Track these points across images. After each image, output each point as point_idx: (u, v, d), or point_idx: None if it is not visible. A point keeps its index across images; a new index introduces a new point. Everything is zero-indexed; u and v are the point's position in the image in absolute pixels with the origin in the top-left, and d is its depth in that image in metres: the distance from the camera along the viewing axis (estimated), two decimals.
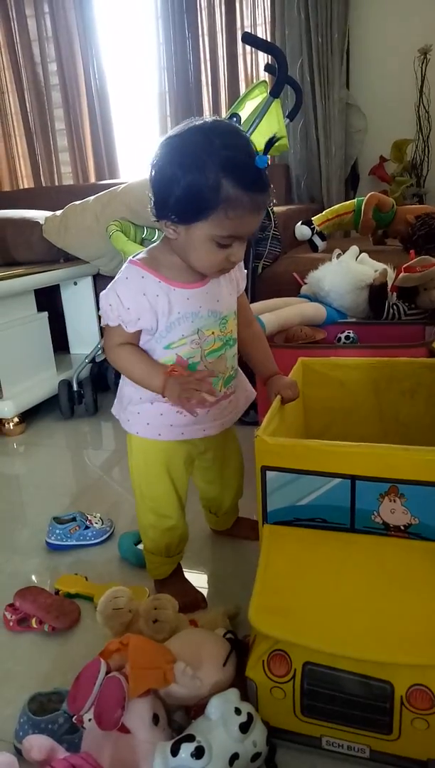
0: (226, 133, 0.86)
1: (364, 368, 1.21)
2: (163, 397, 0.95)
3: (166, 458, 1.07)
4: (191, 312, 0.96)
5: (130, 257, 0.98)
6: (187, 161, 0.84)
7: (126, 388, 1.06)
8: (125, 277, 0.95)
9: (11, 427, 2.11)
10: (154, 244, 0.99)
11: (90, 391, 2.25)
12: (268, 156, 1.01)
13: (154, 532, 1.12)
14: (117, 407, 1.12)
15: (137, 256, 0.97)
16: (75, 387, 2.24)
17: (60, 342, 2.57)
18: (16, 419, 2.12)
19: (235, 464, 1.22)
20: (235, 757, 0.74)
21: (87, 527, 1.39)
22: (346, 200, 2.47)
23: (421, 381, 1.18)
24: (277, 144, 1.91)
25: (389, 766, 0.79)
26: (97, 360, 2.37)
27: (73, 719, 0.80)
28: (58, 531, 1.38)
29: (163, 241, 0.97)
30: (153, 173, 0.89)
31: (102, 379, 2.44)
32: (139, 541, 1.32)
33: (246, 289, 1.10)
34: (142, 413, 1.04)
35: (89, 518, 1.41)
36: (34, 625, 1.10)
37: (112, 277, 0.98)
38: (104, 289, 0.98)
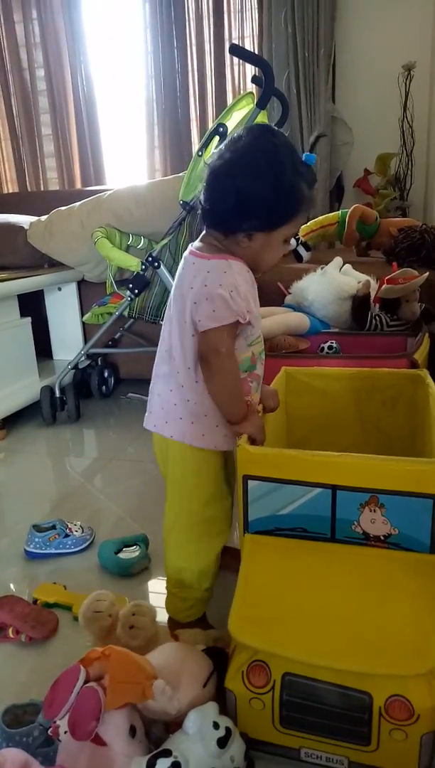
0: (283, 136, 0.90)
1: (346, 378, 1.22)
2: (235, 424, 0.94)
3: (223, 470, 1.01)
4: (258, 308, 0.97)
5: (195, 252, 0.92)
6: (271, 171, 0.86)
7: (187, 404, 0.95)
8: (227, 267, 0.89)
9: None
10: (195, 246, 0.94)
11: (72, 398, 2.23)
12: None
13: (204, 558, 1.02)
14: (179, 426, 0.97)
15: (205, 251, 0.92)
16: (57, 393, 2.22)
17: (43, 348, 2.55)
18: None
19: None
20: None
21: (67, 535, 1.38)
22: (330, 212, 2.49)
23: (401, 392, 1.19)
24: None
25: None
26: (80, 366, 2.36)
27: (49, 731, 0.78)
28: (37, 539, 1.36)
29: (210, 243, 0.93)
30: (227, 192, 0.87)
31: (85, 386, 2.43)
32: (119, 550, 1.31)
33: None
34: (205, 425, 0.97)
35: (69, 526, 1.40)
36: (11, 635, 1.08)
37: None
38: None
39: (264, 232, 0.90)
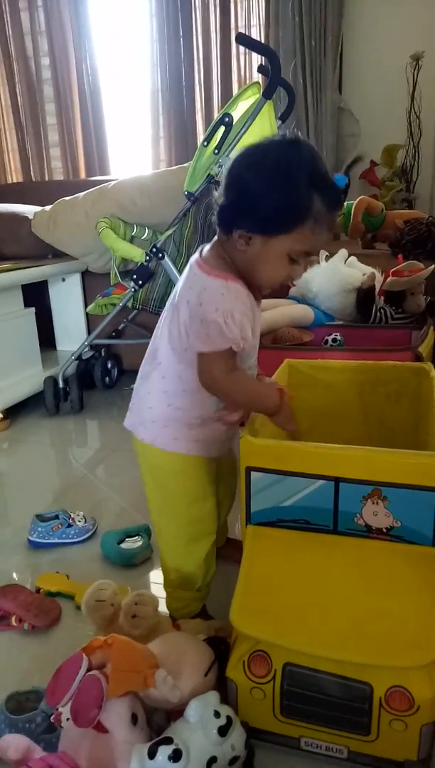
0: (311, 149, 0.86)
1: (350, 371, 1.21)
2: (271, 416, 0.94)
3: (207, 473, 1.00)
4: (258, 332, 0.95)
5: (200, 262, 0.90)
6: (280, 171, 0.83)
7: (166, 409, 0.95)
8: (225, 289, 0.87)
9: None
10: (204, 252, 0.91)
11: (76, 389, 2.23)
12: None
13: (192, 561, 1.01)
14: (151, 430, 0.97)
15: (209, 264, 0.89)
16: (61, 384, 2.22)
17: (46, 338, 2.56)
18: (0, 415, 2.10)
19: (235, 470, 1.20)
20: (212, 760, 0.73)
21: (70, 525, 1.38)
22: None
23: (405, 385, 1.18)
24: None
25: (366, 766, 0.80)
26: (84, 357, 2.36)
27: (51, 718, 0.79)
28: (40, 529, 1.37)
29: (218, 254, 0.90)
30: (233, 181, 0.86)
31: (88, 377, 2.43)
32: (121, 540, 1.32)
33: None
34: (185, 434, 0.97)
35: (72, 516, 1.41)
36: (14, 623, 1.09)
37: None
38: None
39: (261, 236, 0.85)
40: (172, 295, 0.95)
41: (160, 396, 0.95)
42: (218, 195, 0.89)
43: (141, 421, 0.97)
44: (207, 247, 0.92)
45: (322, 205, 0.83)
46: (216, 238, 0.92)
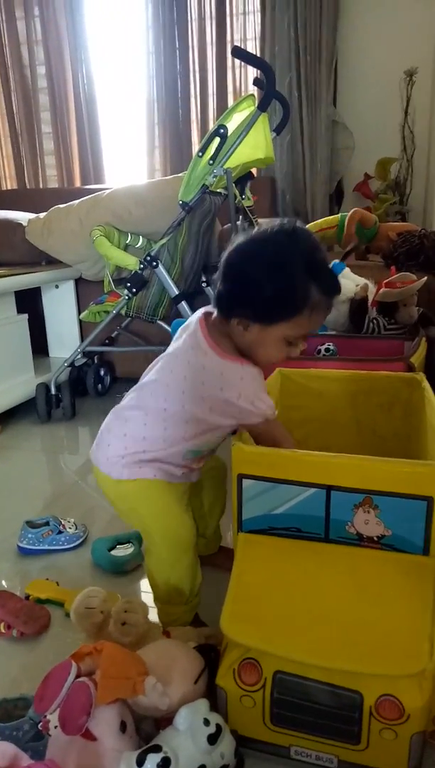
0: (308, 237, 0.88)
1: (342, 381, 1.22)
2: None
3: (171, 493, 1.00)
4: None
5: (211, 342, 0.91)
6: (277, 263, 0.85)
7: (141, 454, 0.96)
8: (243, 373, 0.91)
9: None
10: (208, 327, 0.93)
11: (68, 396, 2.23)
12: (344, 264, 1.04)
13: (184, 575, 1.02)
14: (117, 466, 0.97)
15: (221, 345, 0.91)
16: (53, 391, 2.22)
17: (39, 345, 2.55)
18: None
19: (222, 476, 1.21)
20: None
21: (60, 532, 1.38)
22: (330, 215, 2.50)
23: (398, 395, 1.19)
24: (262, 158, 1.94)
25: None
26: (77, 364, 2.36)
27: (39, 726, 0.78)
28: (30, 535, 1.36)
29: (222, 333, 0.92)
30: (231, 271, 0.89)
31: (81, 384, 2.43)
32: (112, 547, 1.31)
33: None
34: (150, 466, 0.98)
35: (63, 523, 1.40)
36: (3, 630, 1.08)
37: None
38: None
39: (259, 325, 0.88)
40: (169, 354, 0.97)
41: (139, 442, 0.96)
42: (216, 279, 0.92)
43: (109, 460, 0.98)
44: (209, 320, 0.94)
45: (320, 294, 0.86)
46: (216, 314, 0.94)
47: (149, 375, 1.00)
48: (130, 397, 1.01)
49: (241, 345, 0.92)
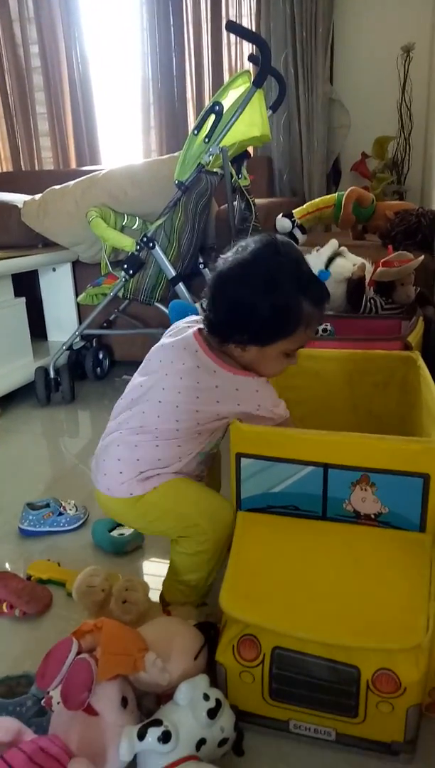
0: (290, 249, 0.88)
1: (338, 360, 1.22)
2: None
3: (198, 483, 1.01)
4: None
5: (218, 361, 0.92)
6: (268, 286, 0.85)
7: (160, 470, 0.96)
8: (257, 386, 0.92)
9: None
10: (208, 348, 0.93)
11: (67, 379, 2.23)
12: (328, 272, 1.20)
13: (219, 561, 0.99)
14: (134, 485, 0.95)
15: (227, 363, 0.92)
16: (52, 374, 2.22)
17: (37, 329, 2.54)
18: None
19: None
20: (202, 742, 0.74)
21: (61, 513, 1.39)
22: (327, 195, 2.48)
23: (393, 374, 1.19)
24: (258, 135, 1.92)
25: (354, 748, 0.81)
26: (75, 347, 2.35)
27: (42, 702, 0.80)
28: (31, 517, 1.37)
29: (222, 352, 0.93)
30: (221, 299, 0.88)
31: (79, 367, 2.43)
32: (112, 528, 1.32)
33: None
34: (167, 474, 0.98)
35: (63, 505, 1.41)
36: (5, 610, 1.10)
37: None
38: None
39: (256, 346, 0.89)
40: (162, 371, 0.95)
41: (153, 462, 0.95)
42: (206, 306, 0.91)
43: (124, 484, 0.95)
44: (206, 339, 0.94)
45: (312, 307, 0.88)
46: (213, 341, 0.93)
47: (148, 394, 0.96)
48: (126, 419, 0.97)
49: (242, 363, 0.93)
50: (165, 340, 1.01)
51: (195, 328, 0.97)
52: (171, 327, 1.05)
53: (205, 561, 0.98)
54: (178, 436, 0.94)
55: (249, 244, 0.89)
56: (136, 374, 1.02)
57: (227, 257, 0.90)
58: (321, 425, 0.98)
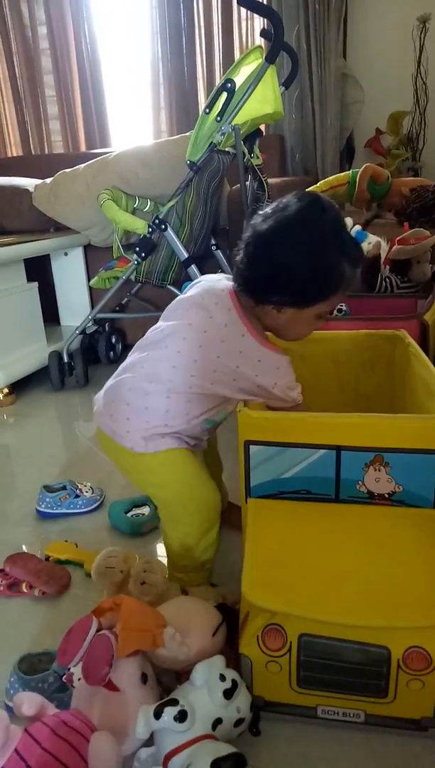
0: (332, 210, 0.87)
1: (323, 342, 1.21)
2: None
3: (200, 461, 1.02)
4: None
5: (260, 338, 0.92)
6: (311, 247, 0.84)
7: (162, 428, 0.95)
8: (278, 363, 0.93)
9: (1, 398, 2.11)
10: (239, 304, 0.93)
11: (80, 363, 2.24)
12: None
13: (211, 544, 1.02)
14: (139, 440, 0.95)
15: (256, 328, 0.92)
16: (65, 359, 2.23)
17: (50, 313, 2.55)
18: (6, 390, 2.11)
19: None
20: (218, 722, 0.75)
21: (77, 496, 1.40)
22: (341, 173, 2.44)
23: (380, 353, 1.19)
24: (271, 113, 1.88)
25: (382, 727, 0.81)
26: (88, 332, 2.36)
27: (63, 678, 0.81)
28: (48, 499, 1.39)
29: (253, 314, 0.93)
30: (263, 256, 0.87)
31: (92, 351, 2.44)
32: (129, 510, 1.34)
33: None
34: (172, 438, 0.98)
35: (79, 487, 1.43)
36: (25, 590, 1.12)
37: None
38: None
39: (294, 308, 0.89)
40: (199, 321, 0.93)
41: (160, 415, 0.94)
42: (241, 260, 0.90)
43: (130, 433, 0.95)
44: (240, 298, 0.93)
45: (350, 269, 0.88)
46: (238, 291, 0.92)
47: (166, 341, 0.95)
48: (140, 361, 0.97)
49: (272, 326, 0.93)
50: (192, 291, 1.00)
51: (228, 284, 0.96)
52: (196, 280, 1.04)
53: (184, 540, 1.00)
54: (190, 392, 0.93)
55: (291, 202, 0.87)
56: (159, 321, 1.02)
57: (267, 214, 0.88)
58: (309, 407, 0.98)
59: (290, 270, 0.85)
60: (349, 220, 1.80)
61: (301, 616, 0.78)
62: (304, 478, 0.88)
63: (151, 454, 0.95)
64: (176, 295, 2.04)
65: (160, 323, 1.00)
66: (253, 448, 0.88)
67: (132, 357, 1.00)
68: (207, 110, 1.79)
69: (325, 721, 0.83)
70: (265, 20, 1.72)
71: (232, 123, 1.78)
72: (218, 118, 1.78)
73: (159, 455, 0.95)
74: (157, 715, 0.72)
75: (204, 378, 0.92)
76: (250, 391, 0.93)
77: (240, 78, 1.76)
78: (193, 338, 0.92)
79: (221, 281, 0.98)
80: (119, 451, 0.97)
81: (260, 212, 0.90)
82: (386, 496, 0.86)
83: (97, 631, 0.77)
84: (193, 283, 1.03)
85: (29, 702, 0.73)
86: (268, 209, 0.89)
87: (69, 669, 0.79)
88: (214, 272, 2.19)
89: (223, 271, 2.18)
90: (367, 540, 0.84)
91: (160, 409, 0.93)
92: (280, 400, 0.93)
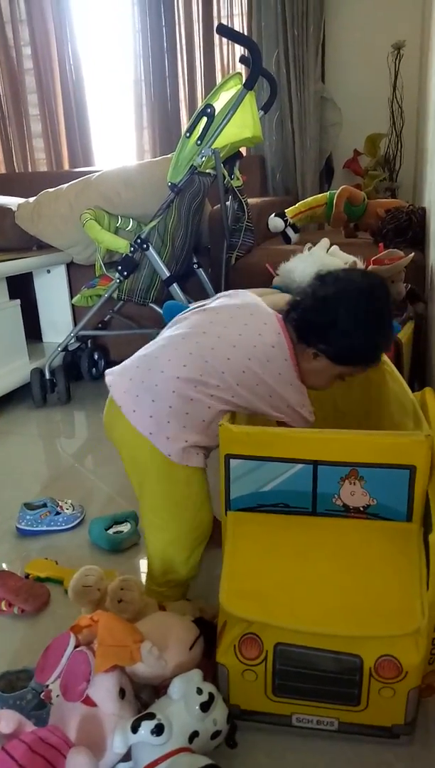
0: (386, 297, 1.01)
1: None
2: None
3: (206, 481, 1.03)
4: None
5: (297, 369, 1.00)
6: (367, 321, 0.96)
7: (197, 436, 0.97)
8: (303, 390, 1.02)
9: None
10: (289, 339, 1.00)
11: (63, 380, 2.25)
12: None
13: (196, 563, 1.04)
14: (176, 449, 0.96)
15: (294, 360, 1.00)
16: (47, 375, 2.23)
17: (32, 330, 2.56)
18: None
19: None
20: (194, 734, 0.76)
21: (58, 513, 1.41)
22: (320, 193, 2.50)
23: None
24: (250, 137, 1.93)
25: (356, 735, 0.83)
26: (70, 349, 2.37)
27: (42, 695, 0.81)
28: (28, 517, 1.39)
29: (293, 347, 1.00)
30: (325, 310, 0.97)
31: (75, 368, 2.44)
32: (109, 526, 1.34)
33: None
34: (201, 453, 1.00)
35: (60, 504, 1.43)
36: (4, 608, 1.12)
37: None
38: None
39: (329, 361, 0.98)
40: (244, 333, 0.99)
41: (198, 424, 0.96)
42: (307, 299, 1.00)
43: (163, 433, 0.95)
44: (289, 330, 1.00)
45: (383, 350, 1.03)
46: (291, 332, 1.00)
47: (215, 341, 0.98)
48: (184, 355, 0.97)
49: (302, 367, 1.00)
50: (236, 300, 1.06)
51: (272, 309, 1.03)
52: (227, 292, 1.11)
53: (171, 556, 1.02)
54: (230, 401, 0.97)
55: (366, 277, 1.03)
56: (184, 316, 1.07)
57: (347, 272, 1.03)
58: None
59: (346, 330, 0.96)
60: (326, 240, 1.84)
61: (276, 625, 0.80)
62: (282, 492, 0.90)
63: (182, 466, 0.96)
64: (158, 313, 2.07)
65: (195, 316, 1.05)
66: (233, 462, 0.90)
67: (168, 351, 1.00)
68: (187, 134, 1.83)
69: (300, 730, 0.85)
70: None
71: (212, 147, 1.82)
72: (198, 142, 1.82)
73: (187, 470, 0.97)
74: (134, 729, 0.73)
75: (247, 389, 0.97)
76: (280, 409, 1.00)
77: (219, 103, 1.81)
78: (243, 347, 0.98)
79: (262, 303, 1.06)
80: (149, 449, 0.96)
81: (344, 270, 1.06)
82: (361, 509, 0.88)
83: (75, 647, 0.78)
84: (228, 293, 1.11)
85: (7, 720, 0.73)
86: (341, 271, 1.05)
87: (47, 686, 0.80)
88: (197, 290, 2.21)
89: (205, 289, 2.22)
90: (342, 552, 0.86)
91: (198, 417, 0.96)
92: (304, 421, 1.02)
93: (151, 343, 1.05)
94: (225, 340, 0.98)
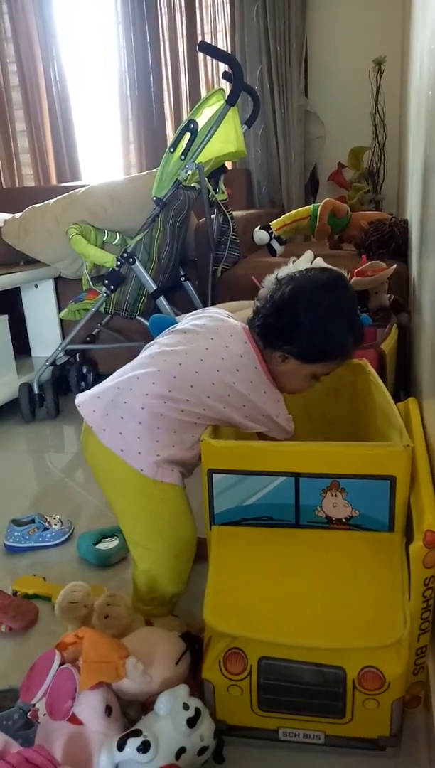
0: (349, 290, 1.01)
1: None
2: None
3: (186, 498, 1.03)
4: None
5: (263, 365, 0.99)
6: (329, 316, 0.96)
7: (170, 449, 0.96)
8: (279, 398, 1.02)
9: None
10: (248, 347, 0.99)
11: (51, 394, 2.25)
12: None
13: (181, 581, 1.04)
14: (150, 464, 0.95)
15: (265, 369, 1.00)
16: (36, 390, 2.23)
17: (21, 345, 2.56)
18: None
19: None
20: (181, 750, 0.75)
21: (46, 529, 1.40)
22: (306, 205, 2.52)
23: (343, 381, 1.24)
24: (234, 151, 1.96)
25: (343, 748, 0.83)
26: (59, 363, 2.37)
27: (29, 714, 0.81)
28: (16, 533, 1.38)
29: (262, 353, 1.00)
30: (286, 311, 0.96)
31: (63, 382, 2.44)
32: (98, 541, 1.34)
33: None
34: (178, 469, 1.00)
35: (48, 520, 1.43)
36: None
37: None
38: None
39: (298, 361, 0.98)
40: (212, 347, 0.99)
41: (170, 436, 0.96)
42: (266, 305, 1.00)
43: (133, 449, 0.95)
44: (255, 338, 1.00)
45: (353, 344, 1.00)
46: (256, 338, 1.00)
47: (182, 356, 0.98)
48: (152, 370, 0.97)
49: (274, 371, 1.00)
50: (202, 320, 1.06)
51: (237, 321, 1.04)
52: (194, 312, 1.12)
53: (154, 575, 1.01)
54: (200, 416, 0.96)
55: (323, 270, 1.02)
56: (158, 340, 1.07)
57: (295, 275, 1.00)
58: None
59: (305, 327, 0.95)
60: (310, 253, 1.86)
61: (259, 639, 0.80)
62: (265, 505, 0.91)
63: (156, 481, 0.95)
64: (146, 326, 2.08)
65: (165, 338, 1.05)
66: (215, 477, 0.91)
67: (142, 357, 1.02)
68: (171, 149, 1.85)
69: (287, 744, 0.85)
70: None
71: (196, 161, 1.84)
72: (182, 157, 1.84)
73: (162, 485, 0.96)
74: (121, 746, 0.72)
75: (217, 401, 0.97)
76: (256, 419, 1.00)
77: (202, 119, 1.83)
78: (211, 360, 0.98)
79: (231, 318, 1.07)
80: (121, 468, 0.95)
81: (289, 270, 1.02)
82: (344, 520, 0.89)
83: (61, 665, 0.78)
84: (197, 313, 1.11)
85: None
86: (297, 272, 1.02)
87: (34, 705, 0.79)
88: (185, 303, 2.22)
89: (192, 302, 2.23)
90: (325, 564, 0.87)
91: (169, 429, 0.95)
92: (283, 430, 1.01)
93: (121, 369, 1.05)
94: (192, 355, 0.98)
